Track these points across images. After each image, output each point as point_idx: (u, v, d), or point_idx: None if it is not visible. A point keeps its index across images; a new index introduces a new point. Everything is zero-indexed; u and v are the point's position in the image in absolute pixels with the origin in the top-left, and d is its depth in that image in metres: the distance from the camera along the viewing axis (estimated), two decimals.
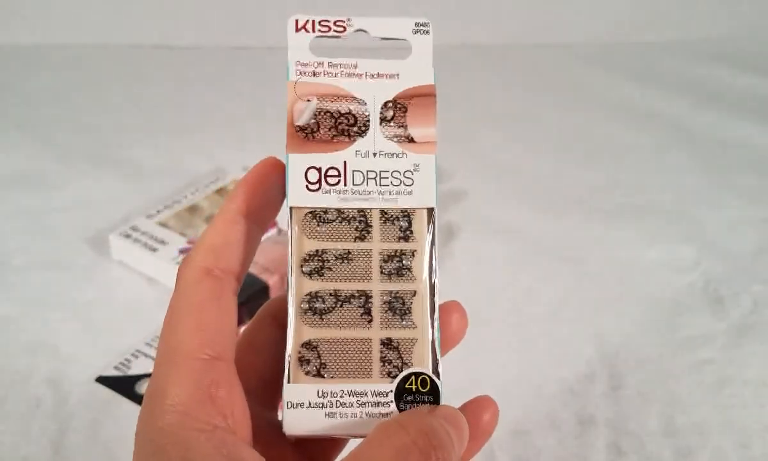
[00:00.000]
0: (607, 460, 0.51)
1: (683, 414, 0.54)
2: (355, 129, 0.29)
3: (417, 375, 0.27)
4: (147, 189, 0.79)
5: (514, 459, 0.51)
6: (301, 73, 0.29)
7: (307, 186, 0.28)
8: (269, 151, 0.30)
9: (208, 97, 1.03)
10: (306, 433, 0.27)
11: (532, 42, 1.24)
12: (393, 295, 0.28)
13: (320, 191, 0.28)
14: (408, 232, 0.29)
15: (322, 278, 0.28)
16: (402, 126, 0.29)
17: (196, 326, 0.26)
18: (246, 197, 0.28)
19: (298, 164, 0.28)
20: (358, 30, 0.30)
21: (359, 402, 0.27)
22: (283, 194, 0.29)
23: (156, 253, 0.66)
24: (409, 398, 0.27)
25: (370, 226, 0.29)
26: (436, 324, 0.28)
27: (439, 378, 0.27)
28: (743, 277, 0.69)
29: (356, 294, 0.28)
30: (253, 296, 0.61)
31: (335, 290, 0.28)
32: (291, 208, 0.28)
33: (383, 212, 0.29)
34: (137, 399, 0.54)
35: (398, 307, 0.28)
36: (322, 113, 0.29)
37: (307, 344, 0.28)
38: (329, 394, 0.27)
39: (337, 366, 0.27)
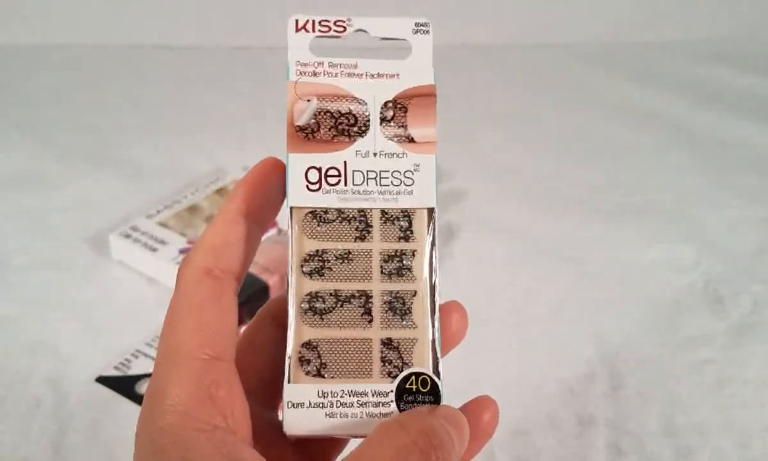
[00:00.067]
0: (607, 460, 0.51)
1: (683, 414, 0.54)
2: (356, 129, 0.29)
3: (417, 375, 0.27)
4: (147, 189, 0.79)
5: (514, 459, 0.51)
6: (301, 73, 0.29)
7: (307, 186, 0.28)
8: (269, 151, 0.30)
9: (208, 97, 1.03)
10: (306, 433, 0.27)
11: (532, 42, 1.24)
12: (393, 295, 0.28)
13: (320, 191, 0.28)
14: (408, 232, 0.29)
15: (323, 278, 0.28)
16: (402, 126, 0.29)
17: (196, 326, 0.26)
18: (246, 197, 0.28)
19: (298, 163, 0.28)
20: (358, 30, 0.30)
21: (359, 402, 0.27)
22: (283, 194, 0.29)
23: (156, 253, 0.66)
24: (409, 398, 0.27)
25: (371, 226, 0.29)
26: (436, 324, 0.28)
27: (439, 378, 0.27)
28: (743, 277, 0.69)
29: (356, 294, 0.28)
30: (253, 296, 0.61)
31: (335, 290, 0.28)
32: (291, 208, 0.28)
33: (383, 212, 0.29)
34: (137, 399, 0.54)
35: (398, 307, 0.28)
36: (323, 113, 0.29)
37: (308, 344, 0.28)
38: (329, 394, 0.27)
39: (338, 366, 0.27)
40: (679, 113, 1.02)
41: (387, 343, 0.28)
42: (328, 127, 0.29)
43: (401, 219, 0.29)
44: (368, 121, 0.29)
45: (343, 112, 0.29)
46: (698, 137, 0.96)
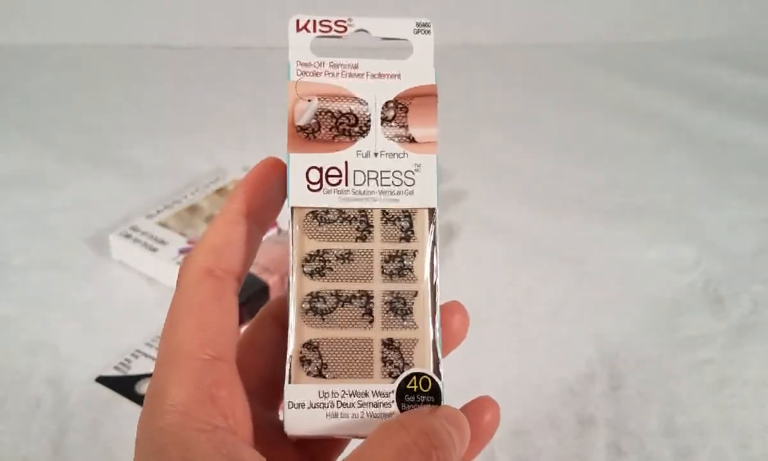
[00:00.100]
0: (607, 460, 0.51)
1: (683, 414, 0.54)
2: (357, 129, 0.29)
3: (418, 375, 0.27)
4: (147, 189, 0.79)
5: (514, 459, 0.51)
6: (302, 73, 0.29)
7: (308, 186, 0.28)
8: (269, 151, 0.30)
9: (208, 97, 1.03)
10: (307, 433, 0.27)
11: (532, 42, 1.24)
12: (394, 295, 0.28)
13: (321, 191, 0.28)
14: (409, 232, 0.29)
15: (324, 278, 0.28)
16: (403, 126, 0.29)
17: (197, 326, 0.26)
18: (247, 197, 0.28)
19: (299, 164, 0.28)
20: (359, 30, 0.30)
21: (360, 403, 0.27)
22: (284, 194, 0.29)
23: (156, 253, 0.66)
24: (410, 398, 0.27)
25: (372, 226, 0.29)
26: (437, 325, 0.28)
27: (440, 379, 0.27)
28: (743, 277, 0.69)
29: (357, 294, 0.28)
30: (253, 296, 0.61)
31: (336, 291, 0.28)
32: (292, 208, 0.28)
33: (384, 212, 0.29)
34: (137, 399, 0.54)
35: (399, 307, 0.28)
36: (324, 113, 0.29)
37: (309, 345, 0.28)
38: (330, 394, 0.27)
39: (339, 366, 0.27)
40: (679, 113, 1.02)
41: (388, 343, 0.28)
42: (329, 127, 0.29)
43: (402, 219, 0.29)
44: (369, 121, 0.29)
45: (344, 112, 0.29)
46: (698, 137, 0.96)
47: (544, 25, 1.26)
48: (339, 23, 0.29)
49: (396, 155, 0.29)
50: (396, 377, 0.27)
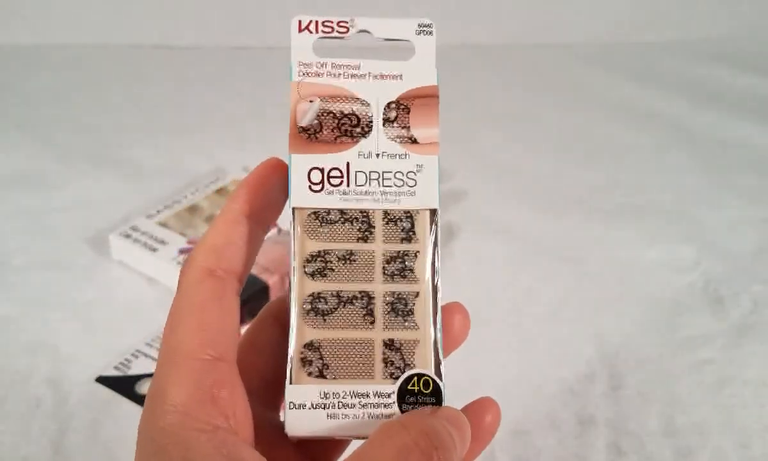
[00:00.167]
0: (607, 460, 0.51)
1: (683, 414, 0.54)
2: (358, 130, 0.29)
3: (419, 376, 0.27)
4: (147, 189, 0.79)
5: (514, 459, 0.51)
6: (304, 74, 0.29)
7: (309, 187, 0.28)
8: (269, 151, 0.30)
9: (208, 97, 1.03)
10: (308, 434, 0.27)
11: (532, 42, 1.24)
12: (395, 296, 0.28)
13: (323, 191, 0.28)
14: (410, 233, 0.29)
15: (325, 278, 0.28)
16: (405, 127, 0.29)
17: (198, 326, 0.26)
18: (248, 197, 0.28)
19: (301, 164, 0.28)
20: (361, 31, 0.30)
21: (361, 403, 0.27)
22: (285, 195, 0.29)
23: (156, 253, 0.66)
24: (411, 399, 0.27)
25: (373, 227, 0.29)
26: (438, 325, 0.28)
27: (441, 380, 0.27)
28: (743, 277, 0.69)
29: (359, 295, 0.28)
30: (253, 296, 0.61)
31: (338, 291, 0.28)
32: (294, 208, 0.28)
33: (386, 213, 0.29)
34: (137, 399, 0.54)
35: (400, 308, 0.28)
36: (325, 114, 0.29)
37: (310, 345, 0.28)
38: (331, 395, 0.27)
39: (340, 367, 0.27)
40: (679, 113, 1.02)
41: (389, 344, 0.28)
42: (331, 128, 0.29)
43: (403, 220, 0.29)
44: (371, 122, 0.29)
45: (346, 113, 0.29)
46: (698, 137, 0.96)
47: (544, 25, 1.26)
48: (341, 24, 0.29)
49: (398, 156, 0.29)
50: (397, 378, 0.27)
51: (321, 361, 0.27)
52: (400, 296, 0.28)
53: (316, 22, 0.29)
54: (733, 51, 1.21)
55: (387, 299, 0.28)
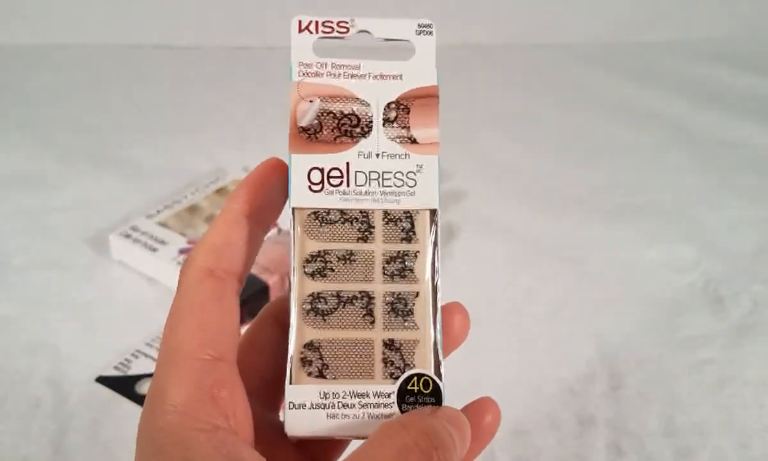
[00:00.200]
0: (607, 460, 0.51)
1: (683, 414, 0.54)
2: (358, 130, 0.29)
3: (419, 376, 0.27)
4: (147, 189, 0.79)
5: (514, 459, 0.51)
6: (304, 74, 0.29)
7: (309, 187, 0.28)
8: (269, 151, 0.30)
9: (208, 97, 1.03)
10: (308, 434, 0.27)
11: (532, 42, 1.24)
12: (395, 296, 0.28)
13: (323, 191, 0.28)
14: (410, 233, 0.29)
15: (325, 278, 0.28)
16: (405, 127, 0.29)
17: (198, 326, 0.26)
18: (248, 197, 0.28)
19: (301, 164, 0.28)
20: (361, 31, 0.30)
21: (361, 403, 0.27)
22: (285, 195, 0.29)
23: (156, 253, 0.66)
24: (411, 399, 0.27)
25: (373, 227, 0.29)
26: (438, 326, 0.28)
27: (441, 380, 0.27)
28: (743, 277, 0.69)
29: (358, 295, 0.28)
30: (253, 296, 0.61)
31: (338, 291, 0.28)
32: (294, 209, 0.28)
33: (386, 213, 0.29)
34: (137, 399, 0.54)
35: (400, 308, 0.28)
36: (325, 114, 0.29)
37: (310, 345, 0.28)
38: (331, 395, 0.27)
39: (340, 367, 0.27)
40: (679, 113, 1.02)
41: (389, 344, 0.28)
42: (331, 128, 0.29)
43: (403, 220, 0.29)
44: (371, 122, 0.29)
45: (346, 113, 0.29)
46: (698, 137, 0.96)
47: (544, 25, 1.26)
48: (341, 24, 0.29)
49: (398, 156, 0.29)
50: (397, 378, 0.27)
51: (321, 361, 0.27)
52: (400, 296, 0.28)
53: (316, 22, 0.29)
54: (733, 51, 1.21)
55: (387, 299, 0.28)
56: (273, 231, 0.68)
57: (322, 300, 0.28)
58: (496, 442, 0.51)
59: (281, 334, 0.29)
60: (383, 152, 0.29)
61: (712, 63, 1.17)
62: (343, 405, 0.27)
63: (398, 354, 0.28)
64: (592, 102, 1.06)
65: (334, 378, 0.27)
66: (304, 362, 0.27)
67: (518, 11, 1.25)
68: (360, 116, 0.29)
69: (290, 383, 0.27)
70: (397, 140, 0.29)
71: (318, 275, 0.28)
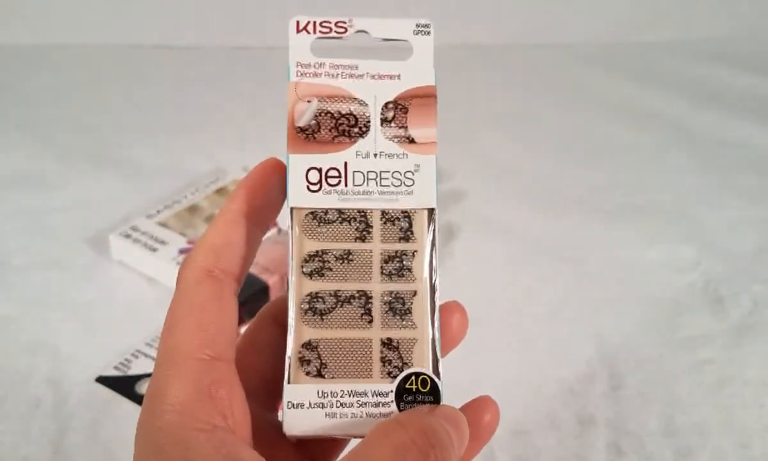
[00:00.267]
0: (607, 460, 0.51)
1: (683, 414, 0.54)
2: (356, 130, 0.29)
3: (417, 375, 0.27)
4: (147, 189, 0.79)
5: (514, 459, 0.51)
6: (302, 74, 0.29)
7: (307, 187, 0.28)
8: (269, 151, 0.30)
9: (208, 97, 1.04)
10: (306, 433, 0.27)
11: (532, 42, 1.24)
12: (393, 295, 0.28)
13: (321, 191, 0.28)
14: (408, 232, 0.29)
15: (323, 278, 0.28)
16: (403, 127, 0.29)
17: (197, 326, 0.26)
18: (247, 197, 0.28)
19: (298, 164, 0.28)
20: (359, 31, 0.30)
21: (359, 402, 0.27)
22: (283, 195, 0.29)
23: (156, 253, 0.66)
24: (409, 398, 0.27)
25: (371, 226, 0.29)
26: (436, 324, 0.28)
27: (439, 378, 0.27)
28: (743, 277, 0.69)
29: (357, 295, 0.28)
30: (253, 296, 0.61)
31: (336, 291, 0.28)
32: (292, 208, 0.28)
33: (384, 212, 0.29)
34: (137, 399, 0.54)
35: (398, 307, 0.28)
36: (323, 114, 0.29)
37: (308, 345, 0.28)
38: (329, 394, 0.27)
39: (338, 367, 0.27)
40: (679, 113, 1.02)
41: (387, 343, 0.28)
42: (329, 128, 0.29)
43: (401, 220, 0.29)
44: (369, 122, 0.29)
45: (344, 113, 0.29)
46: (698, 137, 0.96)
47: (544, 25, 1.26)
48: (339, 24, 0.29)
49: (395, 156, 0.29)
50: (395, 377, 0.27)
51: (319, 360, 0.27)
52: (398, 295, 0.28)
53: (314, 22, 0.29)
54: (733, 51, 1.21)
55: (385, 298, 0.28)
56: (273, 231, 0.69)
57: (320, 300, 0.28)
58: (496, 442, 0.52)
59: (281, 334, 0.29)
60: (381, 152, 0.29)
61: (712, 63, 1.17)
62: (342, 404, 0.27)
63: (396, 352, 0.28)
64: (592, 102, 1.06)
65: (333, 378, 0.27)
66: (303, 361, 0.27)
67: (518, 11, 1.25)
68: (358, 116, 0.29)
69: (288, 382, 0.27)
70: (395, 140, 0.29)
71: (316, 275, 0.28)
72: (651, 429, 0.53)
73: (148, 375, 0.55)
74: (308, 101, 0.29)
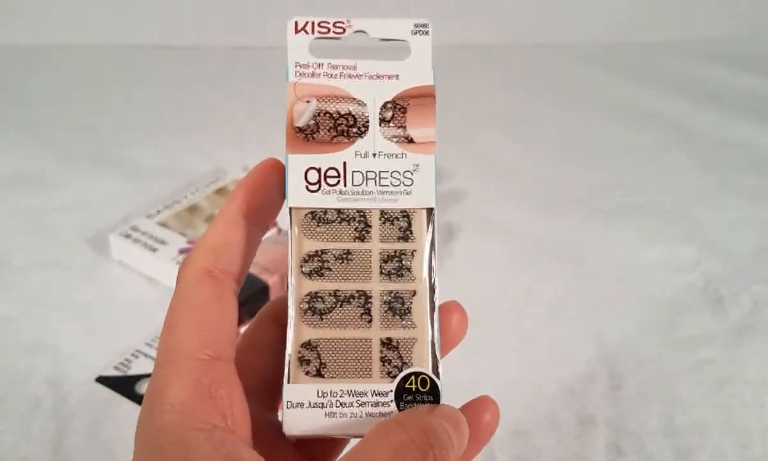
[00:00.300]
0: (607, 460, 0.51)
1: (683, 414, 0.54)
2: (355, 130, 0.29)
3: (417, 374, 0.27)
4: (147, 189, 0.79)
5: (514, 459, 0.51)
6: (300, 75, 0.29)
7: (306, 187, 0.28)
8: (269, 151, 0.30)
9: (208, 97, 1.04)
10: (306, 433, 0.27)
11: (532, 42, 1.24)
12: (393, 295, 0.28)
13: (320, 191, 0.28)
14: (407, 232, 0.29)
15: (322, 278, 0.28)
16: (401, 127, 0.29)
17: (197, 326, 0.26)
18: (246, 197, 0.28)
19: (297, 164, 0.28)
20: (357, 31, 0.30)
21: (359, 402, 0.27)
22: (283, 195, 0.29)
23: (156, 253, 0.66)
24: (409, 398, 0.27)
25: (370, 226, 0.29)
26: (435, 324, 0.28)
27: (439, 378, 0.27)
28: (743, 277, 0.69)
29: (356, 294, 0.28)
30: (253, 296, 0.61)
31: (335, 291, 0.28)
32: (291, 208, 0.28)
33: (383, 212, 0.29)
34: (137, 399, 0.54)
35: (398, 307, 0.28)
36: (322, 114, 0.29)
37: (307, 345, 0.28)
38: (329, 394, 0.27)
39: (337, 366, 0.27)
40: (679, 113, 1.02)
41: (386, 343, 0.28)
42: (328, 128, 0.29)
43: (400, 219, 0.29)
44: (367, 122, 0.29)
45: (343, 113, 0.29)
46: (698, 137, 0.96)
47: (544, 25, 1.26)
48: (337, 24, 0.29)
49: (394, 156, 0.29)
50: (395, 376, 0.27)
51: (318, 360, 0.27)
52: (397, 294, 0.28)
53: (313, 22, 0.29)
54: (733, 51, 1.21)
55: (384, 298, 0.28)
56: (273, 231, 0.69)
57: (319, 300, 0.28)
58: (496, 442, 0.52)
59: (281, 334, 0.29)
60: (380, 152, 0.29)
61: (712, 63, 1.17)
62: (341, 404, 0.27)
63: (396, 352, 0.28)
64: (592, 102, 1.06)
65: (332, 377, 0.27)
66: (302, 361, 0.27)
67: (518, 11, 1.25)
68: (357, 116, 0.29)
69: (288, 382, 0.27)
70: (394, 140, 0.29)
71: (315, 275, 0.28)
72: (651, 429, 0.53)
73: (148, 375, 0.55)
74: (307, 101, 0.29)
